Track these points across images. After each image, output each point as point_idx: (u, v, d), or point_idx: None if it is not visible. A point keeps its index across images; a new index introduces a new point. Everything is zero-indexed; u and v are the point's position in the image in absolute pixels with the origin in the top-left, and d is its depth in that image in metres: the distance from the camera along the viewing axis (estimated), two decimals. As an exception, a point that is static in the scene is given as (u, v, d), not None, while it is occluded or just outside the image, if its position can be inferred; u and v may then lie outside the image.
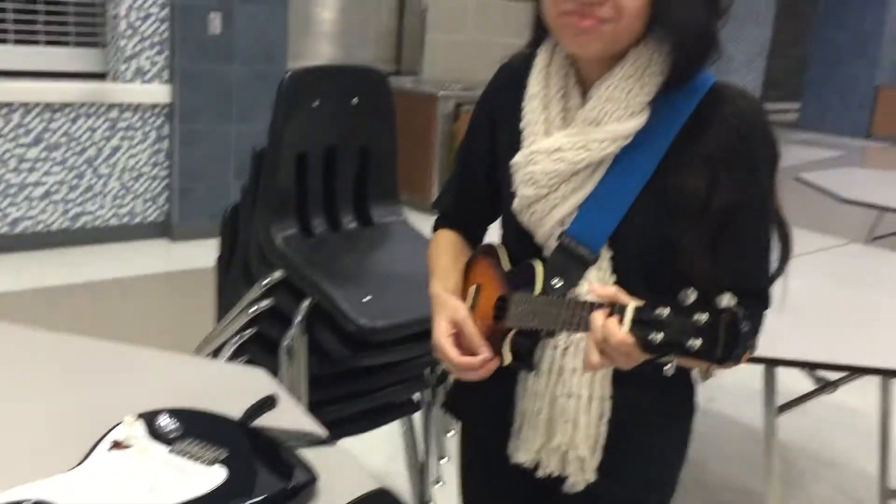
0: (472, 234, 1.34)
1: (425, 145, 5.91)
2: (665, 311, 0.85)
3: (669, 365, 0.87)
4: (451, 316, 1.15)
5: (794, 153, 10.18)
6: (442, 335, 1.14)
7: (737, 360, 0.82)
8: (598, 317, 0.92)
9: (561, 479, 1.15)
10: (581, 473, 1.13)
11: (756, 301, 1.12)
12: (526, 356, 1.13)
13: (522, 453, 1.17)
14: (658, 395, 1.17)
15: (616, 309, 0.91)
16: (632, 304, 0.89)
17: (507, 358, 1.12)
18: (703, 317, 0.82)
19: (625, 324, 0.88)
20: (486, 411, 1.27)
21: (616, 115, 1.05)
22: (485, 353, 1.11)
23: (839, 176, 4.46)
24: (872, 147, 11.89)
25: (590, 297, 0.99)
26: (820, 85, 12.72)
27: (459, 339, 1.15)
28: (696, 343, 0.82)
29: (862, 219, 4.64)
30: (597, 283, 1.08)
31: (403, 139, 6.39)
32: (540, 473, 1.16)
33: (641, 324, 0.87)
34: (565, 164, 1.07)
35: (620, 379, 1.11)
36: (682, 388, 1.21)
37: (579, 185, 1.09)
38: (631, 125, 1.05)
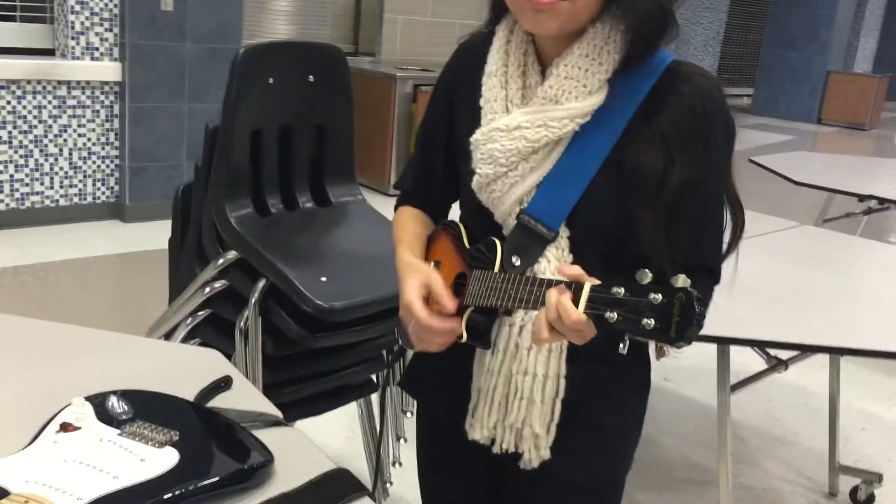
0: (433, 214, 1.34)
1: (383, 127, 5.87)
2: (621, 291, 0.87)
3: (623, 344, 0.88)
4: (423, 279, 1.14)
5: (748, 137, 10.34)
6: (413, 293, 1.13)
7: (689, 341, 0.84)
8: (553, 294, 0.94)
9: (517, 456, 1.16)
10: (535, 451, 1.14)
11: (707, 276, 1.13)
12: (482, 333, 1.14)
13: (477, 430, 1.18)
14: (613, 373, 1.18)
15: (573, 287, 0.92)
16: (588, 282, 0.91)
17: (464, 335, 1.12)
18: (657, 297, 0.84)
19: (581, 302, 0.90)
20: (442, 388, 1.27)
21: (575, 92, 1.06)
22: (451, 310, 1.10)
23: (791, 159, 4.54)
24: (824, 131, 12.12)
25: (556, 276, 1.00)
26: (773, 70, 12.91)
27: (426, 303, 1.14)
28: (650, 323, 0.84)
29: (813, 201, 4.72)
30: (555, 261, 1.09)
31: (361, 121, 6.34)
32: (495, 450, 1.17)
33: (597, 302, 0.89)
34: (525, 143, 1.07)
35: (575, 357, 1.12)
36: (637, 367, 1.22)
37: (538, 164, 1.09)
38: (589, 103, 1.05)
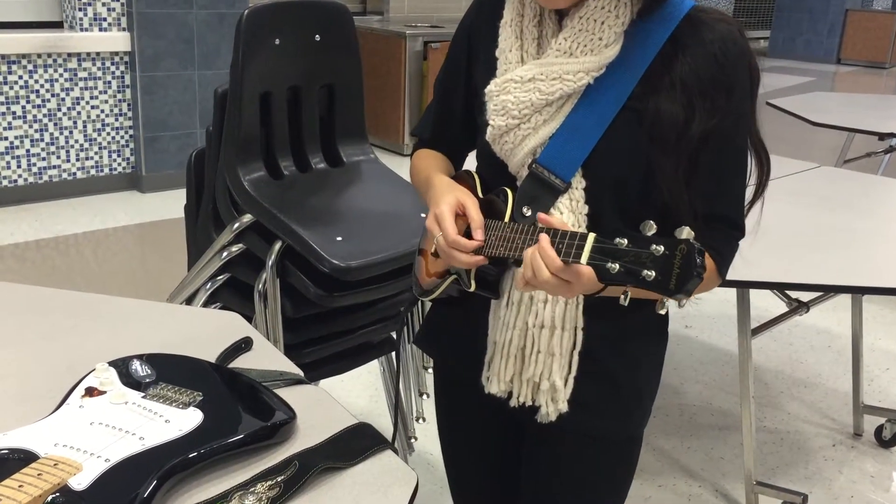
0: (451, 161, 1.33)
1: (394, 86, 5.83)
2: (623, 242, 0.86)
3: (623, 296, 0.88)
4: (460, 197, 1.11)
5: (765, 80, 10.11)
6: (447, 204, 1.09)
7: (688, 294, 0.83)
8: (528, 252, 0.96)
9: (533, 410, 1.16)
10: (553, 404, 1.14)
11: (728, 227, 1.12)
12: (492, 284, 1.13)
13: (494, 384, 1.18)
14: (630, 325, 1.17)
15: (577, 237, 0.91)
16: (592, 234, 0.90)
17: (472, 284, 1.12)
18: (659, 248, 0.83)
19: (584, 253, 0.89)
20: (457, 343, 1.27)
21: (590, 45, 1.04)
22: (480, 237, 1.08)
23: (809, 101, 4.46)
24: (843, 71, 11.91)
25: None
26: (790, 10, 12.65)
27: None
28: (651, 274, 0.83)
29: (833, 143, 4.66)
30: (568, 213, 1.08)
31: (372, 81, 6.26)
32: (512, 403, 1.17)
33: (599, 253, 0.88)
34: (538, 95, 1.07)
35: (592, 310, 1.11)
36: (655, 317, 1.19)
37: (551, 116, 1.08)
38: (605, 56, 1.04)
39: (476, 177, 1.21)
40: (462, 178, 1.23)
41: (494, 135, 1.12)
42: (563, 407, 1.14)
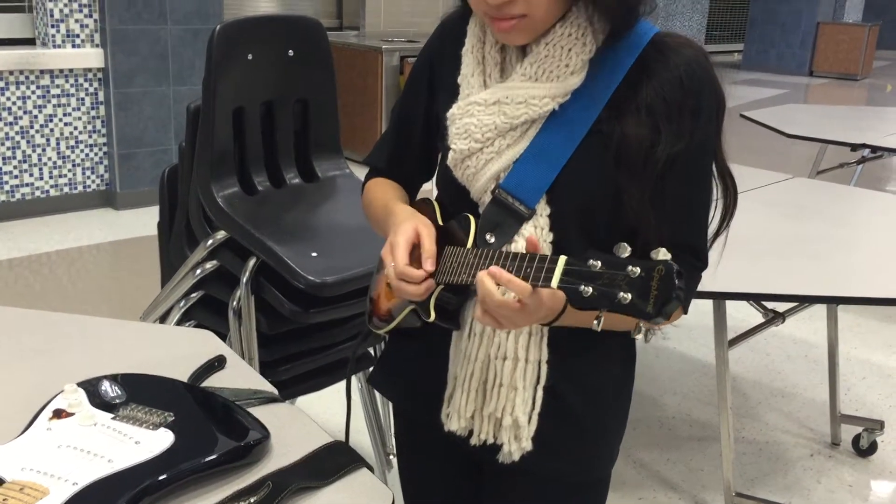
0: (406, 191, 1.29)
1: (371, 101, 5.84)
2: (597, 264, 0.82)
3: (597, 320, 0.83)
4: (417, 226, 1.07)
5: (739, 93, 10.29)
6: (403, 235, 1.06)
7: (667, 317, 0.80)
8: (482, 276, 0.92)
9: (495, 450, 1.11)
10: (516, 442, 1.09)
11: (693, 258, 1.09)
12: (452, 314, 1.09)
13: (455, 420, 1.12)
14: (594, 358, 1.13)
15: (548, 259, 0.87)
16: (563, 256, 0.86)
17: (431, 314, 1.07)
18: (635, 269, 0.80)
19: (555, 277, 0.85)
20: (415, 384, 1.22)
21: (556, 72, 1.03)
22: (429, 267, 1.04)
23: (782, 112, 4.51)
24: (816, 83, 12.07)
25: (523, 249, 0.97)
26: (762, 24, 12.82)
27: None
28: (627, 297, 0.79)
29: (806, 154, 4.71)
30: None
31: (349, 95, 6.27)
32: (473, 441, 1.12)
33: (572, 276, 0.84)
34: (503, 119, 1.04)
35: (557, 341, 1.08)
36: (619, 348, 1.16)
37: (515, 141, 1.06)
38: (571, 82, 1.03)
39: (436, 205, 1.17)
40: (420, 206, 1.19)
41: (456, 159, 1.09)
42: (528, 445, 1.09)
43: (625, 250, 0.82)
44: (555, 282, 0.85)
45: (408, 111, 1.24)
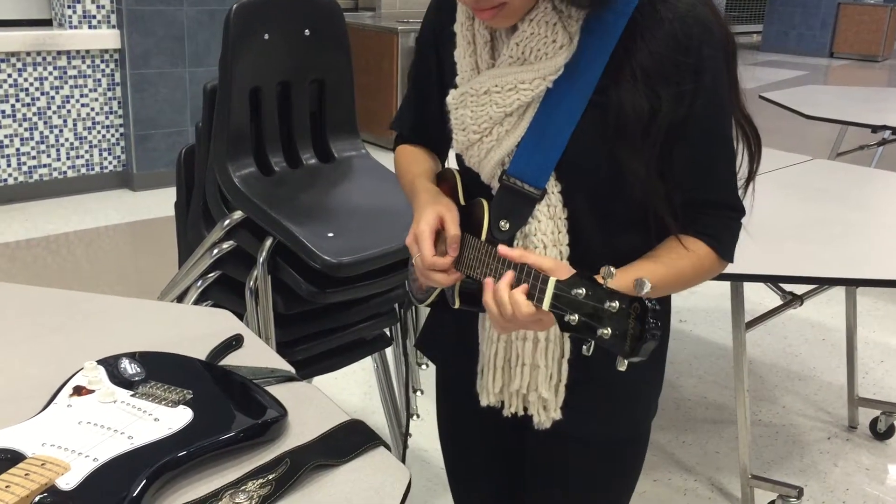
0: (436, 153, 1.29)
1: (387, 82, 5.81)
2: (581, 292, 0.83)
3: (586, 346, 0.84)
4: (441, 211, 1.07)
5: (758, 74, 10.18)
6: (427, 224, 1.06)
7: (645, 355, 0.80)
8: (505, 291, 0.94)
9: (529, 417, 1.14)
10: (545, 412, 1.11)
11: (724, 209, 1.07)
12: (477, 299, 1.08)
13: (485, 396, 1.16)
14: None
15: (541, 279, 0.89)
16: (553, 278, 0.87)
17: (457, 302, 1.09)
18: (614, 304, 0.80)
19: (545, 300, 0.87)
20: (454, 351, 1.25)
21: (544, 49, 0.99)
22: (453, 253, 1.05)
23: (802, 94, 4.46)
24: (836, 65, 11.93)
25: (546, 238, 0.99)
26: (782, 5, 12.66)
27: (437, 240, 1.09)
28: (607, 332, 0.81)
29: (826, 136, 4.66)
30: (546, 220, 1.04)
31: (365, 77, 6.25)
32: (506, 413, 1.15)
33: (560, 302, 0.86)
34: (496, 108, 1.02)
35: None
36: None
37: (513, 126, 1.03)
38: (560, 59, 0.99)
39: (457, 175, 1.17)
40: (445, 178, 1.19)
41: (460, 148, 1.09)
42: (556, 415, 1.11)
43: (609, 274, 0.83)
44: (546, 304, 0.88)
45: (421, 78, 1.23)
